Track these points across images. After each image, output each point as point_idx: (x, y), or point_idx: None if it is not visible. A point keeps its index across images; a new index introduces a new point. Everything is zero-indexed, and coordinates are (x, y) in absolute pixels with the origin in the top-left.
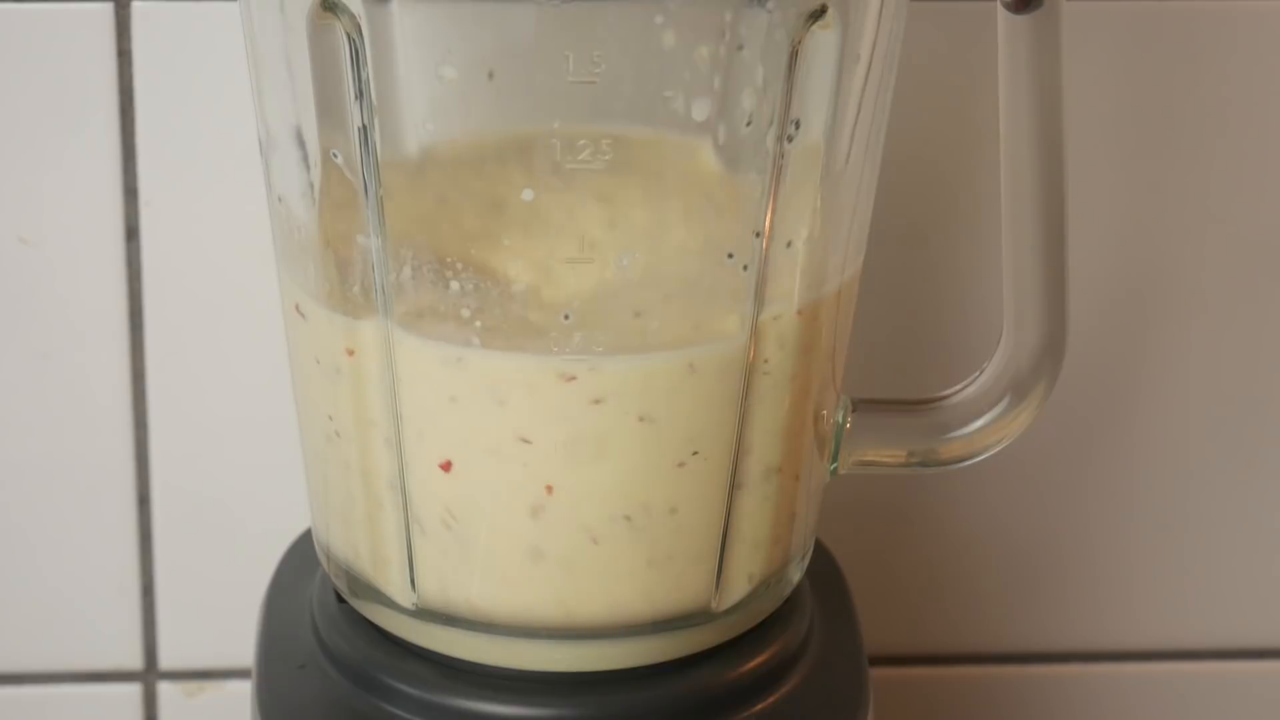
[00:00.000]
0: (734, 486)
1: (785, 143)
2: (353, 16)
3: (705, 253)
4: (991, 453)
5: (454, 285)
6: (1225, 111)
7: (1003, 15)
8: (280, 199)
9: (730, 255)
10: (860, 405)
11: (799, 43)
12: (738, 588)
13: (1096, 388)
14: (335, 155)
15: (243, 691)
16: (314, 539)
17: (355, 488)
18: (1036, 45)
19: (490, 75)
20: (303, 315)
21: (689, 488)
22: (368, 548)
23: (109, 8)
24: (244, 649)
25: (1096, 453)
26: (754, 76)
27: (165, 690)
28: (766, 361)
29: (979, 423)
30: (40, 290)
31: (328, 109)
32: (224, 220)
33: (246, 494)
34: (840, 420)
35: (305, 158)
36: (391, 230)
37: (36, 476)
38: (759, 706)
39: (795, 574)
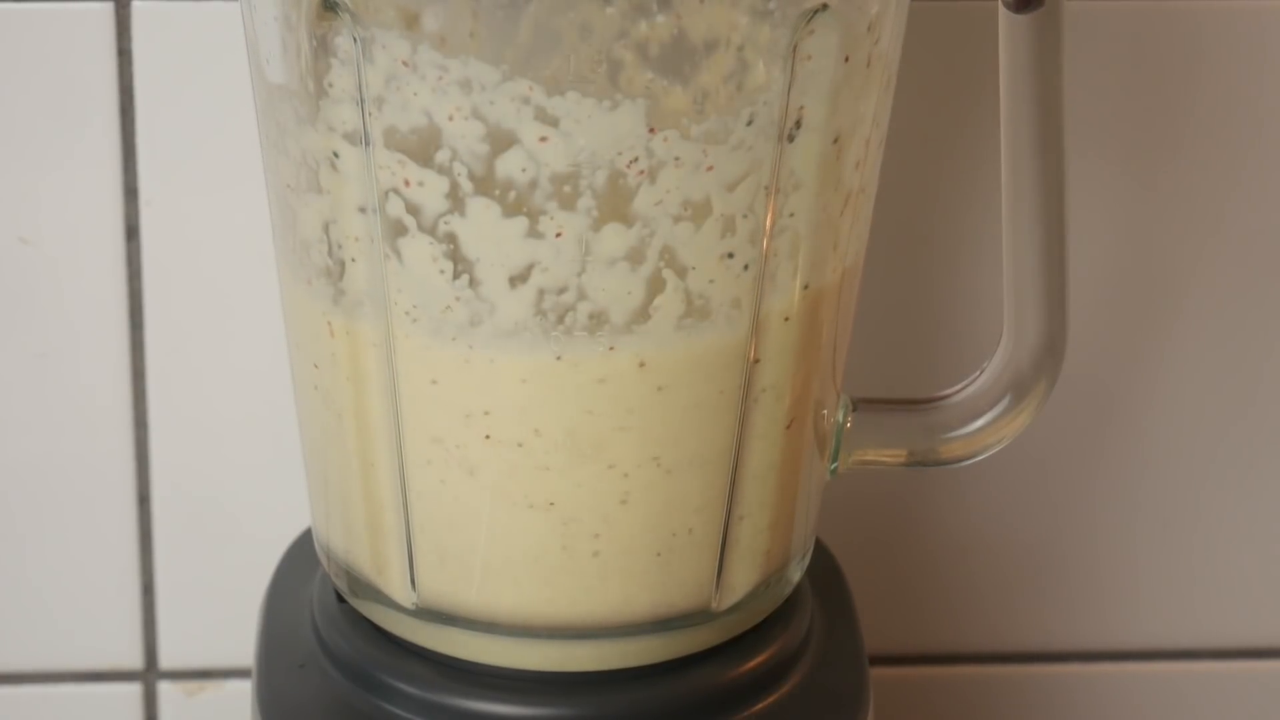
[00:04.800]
0: (734, 486)
1: (785, 142)
2: (353, 16)
3: (705, 252)
4: (991, 452)
5: (455, 283)
6: (1225, 111)
7: (1003, 15)
8: (280, 198)
9: (730, 255)
10: (860, 405)
11: (799, 42)
12: (738, 587)
13: (1097, 388)
14: (336, 155)
15: (243, 691)
16: (314, 539)
17: (355, 486)
18: (1036, 45)
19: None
20: (302, 313)
21: (688, 487)
22: (368, 547)
23: (109, 7)
24: (244, 649)
25: (1096, 452)
26: (754, 76)
27: (165, 690)
28: (766, 360)
29: (979, 422)
30: (40, 290)
31: (328, 109)
32: (224, 220)
33: (247, 494)
34: (840, 420)
35: (306, 157)
36: (393, 229)
37: (36, 476)
38: (759, 706)
39: (795, 573)
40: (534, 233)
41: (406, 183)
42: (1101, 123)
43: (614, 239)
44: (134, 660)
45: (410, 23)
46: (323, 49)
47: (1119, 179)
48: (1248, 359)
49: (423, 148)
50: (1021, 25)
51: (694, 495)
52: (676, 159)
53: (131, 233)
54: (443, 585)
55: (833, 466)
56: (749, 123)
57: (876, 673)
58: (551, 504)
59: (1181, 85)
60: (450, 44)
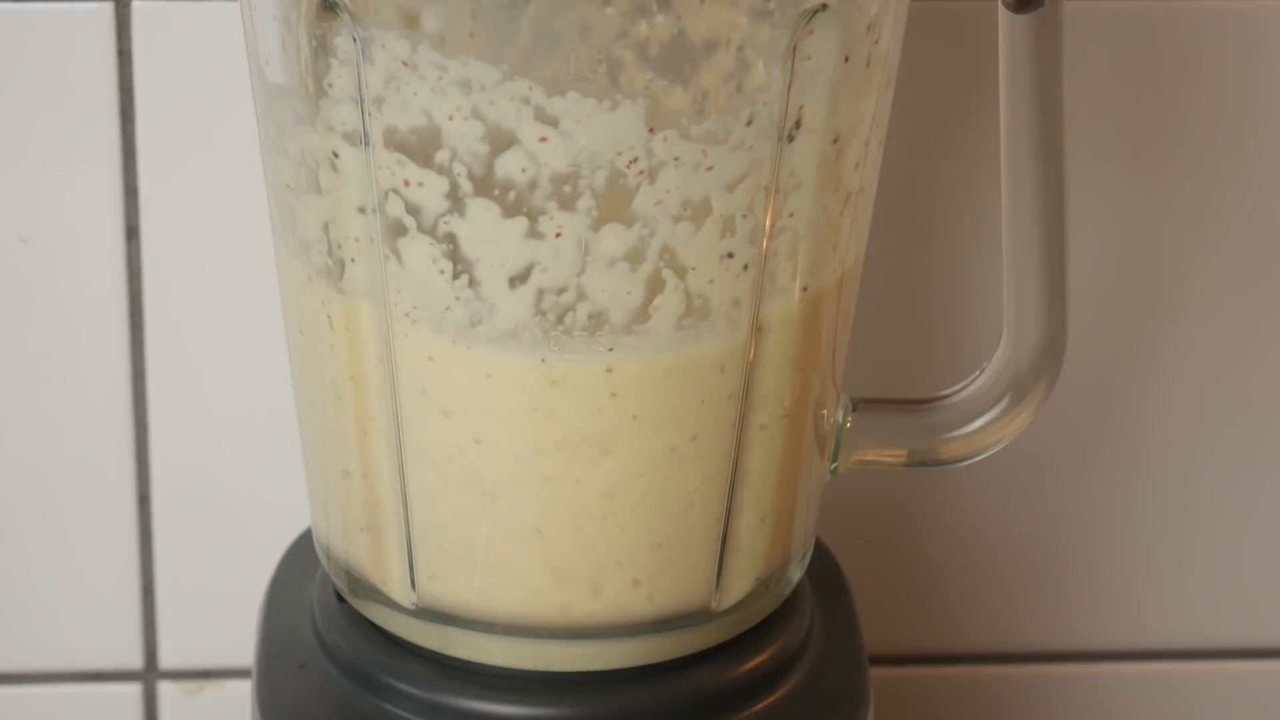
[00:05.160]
0: (734, 486)
1: (785, 142)
2: (353, 16)
3: (704, 253)
4: (991, 452)
5: (455, 283)
6: (1225, 111)
7: (1003, 15)
8: (280, 198)
9: (730, 255)
10: (860, 405)
11: (799, 42)
12: (738, 587)
13: (1097, 388)
14: (335, 155)
15: (243, 691)
16: (314, 539)
17: (355, 486)
18: (1036, 45)
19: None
20: (301, 312)
21: (689, 487)
22: (368, 547)
23: (109, 8)
24: (244, 649)
25: (1097, 452)
26: (754, 76)
27: (165, 690)
28: (766, 360)
29: (979, 422)
30: (40, 290)
31: (328, 108)
32: (224, 220)
33: (247, 494)
34: (840, 420)
35: (305, 157)
36: (392, 230)
37: (36, 476)
38: (759, 706)
39: (795, 573)
40: (533, 233)
41: (406, 183)
42: (1101, 123)
43: (613, 239)
44: (134, 660)
45: (410, 23)
46: (322, 49)
47: (1119, 179)
48: (1247, 359)
49: (422, 148)
50: (1021, 25)
51: (693, 495)
52: (676, 159)
53: (131, 233)
54: (443, 585)
55: (833, 466)
56: (748, 123)
57: (876, 673)
58: (551, 504)
59: (1181, 85)
60: (450, 44)
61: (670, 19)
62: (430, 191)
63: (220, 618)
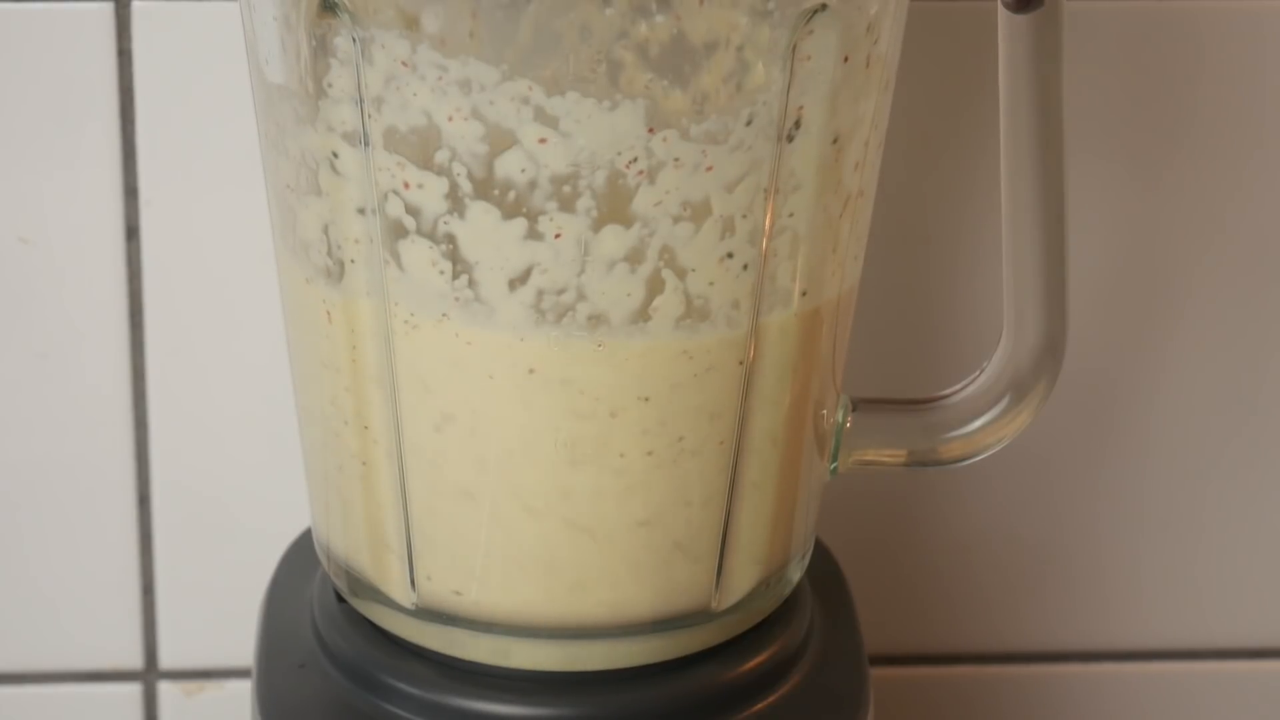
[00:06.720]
0: (734, 486)
1: (785, 143)
2: (353, 16)
3: (704, 253)
4: (991, 452)
5: (459, 280)
6: (1225, 111)
7: (1003, 15)
8: (280, 199)
9: (730, 255)
10: (860, 405)
11: (798, 42)
12: (738, 587)
13: (1098, 387)
14: (335, 156)
15: (243, 691)
16: (314, 538)
17: (355, 486)
18: (1036, 45)
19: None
20: (301, 313)
21: (689, 487)
22: (367, 547)
23: (109, 8)
24: (244, 649)
25: (1097, 452)
26: (753, 76)
27: (165, 690)
28: (766, 360)
29: (979, 422)
30: (40, 290)
31: (327, 109)
32: (224, 220)
33: (247, 493)
34: (840, 420)
35: (305, 158)
36: (392, 231)
37: (36, 476)
38: (759, 706)
39: (795, 573)
40: (533, 234)
41: (406, 184)
42: (1101, 122)
43: (613, 240)
44: (134, 660)
45: (409, 23)
46: (322, 49)
47: (1119, 178)
48: (1249, 358)
49: (422, 149)
50: (1021, 25)
51: (693, 495)
52: (676, 159)
53: (131, 233)
54: (443, 585)
55: (832, 466)
56: (748, 123)
57: (876, 673)
58: (551, 505)
59: (1181, 85)
60: (450, 44)
61: (670, 19)
62: (430, 193)
63: (220, 618)
